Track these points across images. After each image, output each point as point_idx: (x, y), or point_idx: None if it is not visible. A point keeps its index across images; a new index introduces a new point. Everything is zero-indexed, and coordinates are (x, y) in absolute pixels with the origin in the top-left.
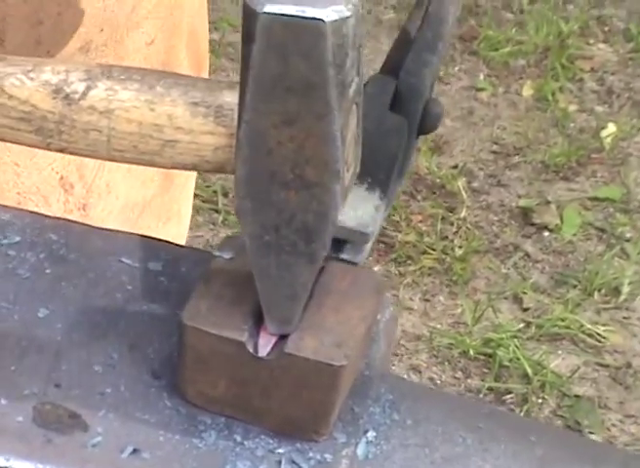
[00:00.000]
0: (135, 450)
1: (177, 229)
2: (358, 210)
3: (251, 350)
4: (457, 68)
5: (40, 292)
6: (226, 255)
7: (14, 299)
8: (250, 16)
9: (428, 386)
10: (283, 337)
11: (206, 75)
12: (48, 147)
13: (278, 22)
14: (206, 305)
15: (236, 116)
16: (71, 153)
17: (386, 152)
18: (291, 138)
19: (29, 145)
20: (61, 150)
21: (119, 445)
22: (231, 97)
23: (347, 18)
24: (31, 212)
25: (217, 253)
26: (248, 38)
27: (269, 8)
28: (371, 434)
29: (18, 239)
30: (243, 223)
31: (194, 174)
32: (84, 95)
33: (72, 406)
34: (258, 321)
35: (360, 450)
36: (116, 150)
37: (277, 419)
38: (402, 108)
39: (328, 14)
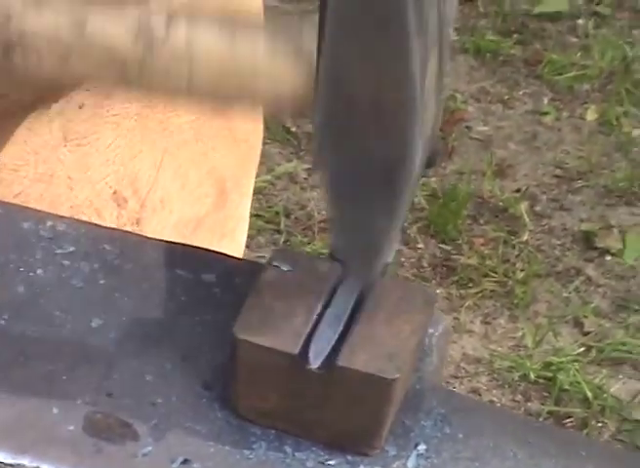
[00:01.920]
0: (185, 461)
1: (231, 247)
2: None
3: (302, 363)
4: (521, 92)
5: (93, 301)
6: (278, 266)
7: (67, 309)
8: None
9: (480, 400)
10: (334, 351)
11: None
12: (129, 88)
13: None
14: (257, 318)
15: (315, 56)
16: (152, 95)
17: None
18: (369, 78)
19: (111, 86)
20: (142, 91)
21: (170, 455)
22: (311, 37)
23: None
24: (86, 222)
25: (268, 264)
26: None
27: None
28: (422, 447)
29: (72, 249)
30: (321, 167)
31: (250, 191)
32: (165, 38)
33: (123, 415)
34: (309, 334)
35: (411, 464)
36: (196, 93)
37: (329, 432)
38: None
39: None
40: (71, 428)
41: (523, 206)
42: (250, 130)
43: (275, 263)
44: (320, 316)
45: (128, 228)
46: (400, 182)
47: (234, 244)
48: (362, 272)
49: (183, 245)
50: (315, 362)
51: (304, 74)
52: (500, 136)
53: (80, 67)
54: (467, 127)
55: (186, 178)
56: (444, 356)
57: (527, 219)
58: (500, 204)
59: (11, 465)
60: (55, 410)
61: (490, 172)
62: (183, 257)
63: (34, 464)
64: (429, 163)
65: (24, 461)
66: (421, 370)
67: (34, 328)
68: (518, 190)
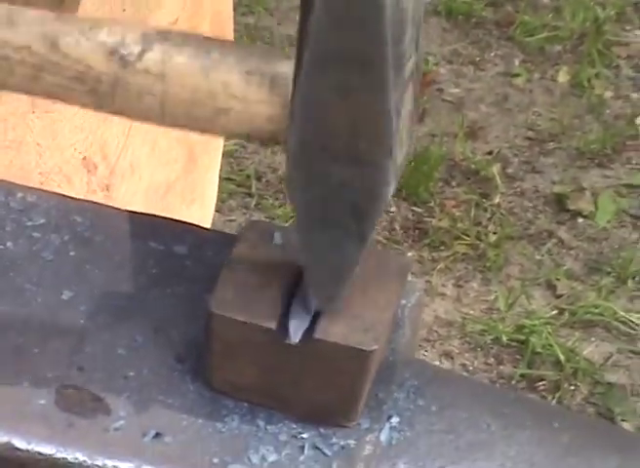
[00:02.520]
0: (157, 434)
1: (201, 211)
2: None
3: (280, 337)
4: (492, 54)
5: (64, 274)
6: (250, 239)
7: (37, 282)
8: None
9: (454, 371)
10: (311, 323)
11: None
12: (100, 108)
13: None
14: (232, 293)
15: (291, 86)
16: (124, 116)
17: None
18: (345, 112)
19: (82, 106)
20: (114, 113)
21: (141, 428)
22: (287, 68)
23: None
24: (57, 194)
25: (240, 236)
26: (306, 8)
27: None
28: (395, 420)
29: (42, 221)
30: (291, 195)
31: (219, 156)
32: (139, 57)
33: (95, 389)
34: (286, 307)
35: (384, 436)
36: (169, 115)
37: (306, 406)
38: None
39: None
40: (42, 402)
41: (495, 168)
42: None
43: (247, 236)
44: (295, 288)
45: (98, 194)
46: (370, 213)
47: (204, 208)
48: (328, 290)
49: (155, 216)
50: (295, 336)
51: (279, 101)
52: (472, 98)
53: (52, 83)
54: (439, 89)
55: (155, 144)
56: (417, 327)
57: (499, 182)
58: (472, 166)
59: None
60: (25, 384)
61: (461, 134)
62: (155, 229)
63: (5, 439)
64: None
65: None
66: (394, 341)
67: (5, 300)
68: (490, 153)
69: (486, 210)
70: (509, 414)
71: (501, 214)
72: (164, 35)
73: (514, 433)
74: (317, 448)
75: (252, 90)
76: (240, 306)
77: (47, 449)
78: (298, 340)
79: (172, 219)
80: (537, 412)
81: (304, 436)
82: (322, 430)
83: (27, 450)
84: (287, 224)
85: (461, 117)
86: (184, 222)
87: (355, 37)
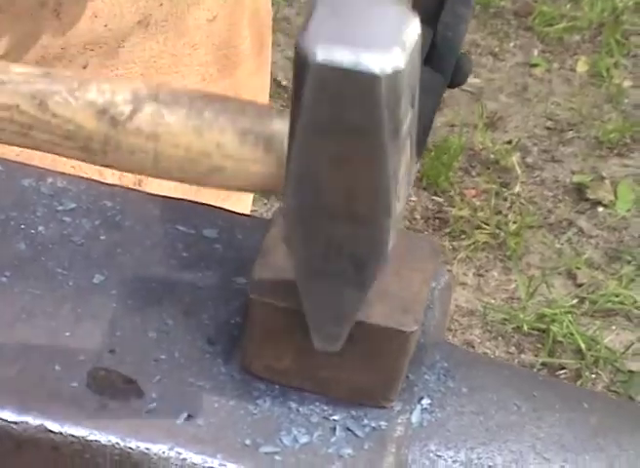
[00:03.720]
0: (189, 417)
1: (235, 208)
2: None
3: None
4: (511, 44)
5: (95, 258)
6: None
7: (69, 266)
8: (302, 63)
9: (483, 355)
10: None
11: (268, 52)
12: (93, 163)
13: (331, 73)
14: (269, 278)
15: (286, 145)
16: (117, 169)
17: (422, 115)
18: (341, 179)
19: (75, 159)
20: (107, 166)
21: (174, 411)
22: (282, 125)
23: (403, 70)
24: (86, 178)
25: (273, 222)
26: (299, 83)
27: (321, 56)
28: (425, 401)
29: (73, 206)
30: (291, 250)
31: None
32: (130, 117)
33: (127, 371)
34: None
35: (415, 418)
36: (163, 171)
37: (346, 388)
38: (438, 63)
39: (383, 65)
40: (75, 385)
41: (515, 158)
42: (257, 89)
43: (279, 221)
44: None
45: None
46: (371, 265)
47: (240, 205)
48: (329, 338)
49: (184, 200)
50: None
51: (275, 160)
52: (491, 89)
53: (42, 141)
54: None
55: None
56: (446, 310)
57: (519, 171)
58: (492, 156)
59: (15, 423)
60: (57, 367)
61: (481, 124)
62: (184, 213)
63: (38, 421)
64: (456, 81)
65: (28, 418)
66: (425, 323)
67: (36, 284)
68: (509, 142)
69: (506, 199)
70: (538, 397)
71: (521, 203)
72: (154, 94)
73: (543, 415)
74: (349, 429)
75: (246, 149)
76: (278, 291)
77: (80, 432)
78: None
79: (201, 204)
80: (565, 395)
81: (336, 418)
82: (354, 412)
83: (60, 433)
84: None
85: (481, 107)
86: (214, 207)
87: (350, 111)
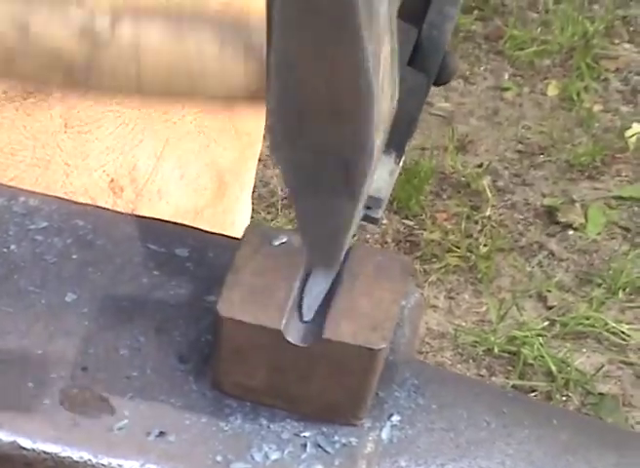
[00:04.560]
0: (161, 433)
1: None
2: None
3: (288, 338)
4: (482, 68)
5: (67, 276)
6: (252, 242)
7: (41, 284)
8: None
9: (453, 371)
10: (318, 324)
11: None
12: (77, 86)
13: None
14: (239, 296)
15: (265, 51)
16: (102, 92)
17: (406, 114)
18: (322, 71)
19: (58, 86)
20: (92, 88)
21: (145, 428)
22: (260, 32)
23: None
24: (59, 198)
25: (243, 240)
26: None
27: None
28: (395, 418)
29: (45, 224)
30: (277, 159)
31: (250, 186)
32: (111, 33)
33: (99, 389)
34: (292, 309)
35: (385, 434)
36: (146, 85)
37: (316, 405)
38: (422, 62)
39: None
40: (47, 402)
41: (485, 181)
42: (252, 124)
43: (249, 239)
44: (300, 290)
45: None
46: (358, 168)
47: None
48: (327, 257)
49: (156, 219)
50: (303, 339)
51: (255, 70)
52: (462, 112)
53: (26, 69)
54: (429, 103)
55: (186, 170)
56: (416, 328)
57: (489, 194)
58: (463, 179)
59: None
60: (30, 385)
61: (452, 147)
62: (156, 232)
63: (11, 438)
64: (441, 79)
65: (1, 435)
66: (394, 341)
67: (9, 302)
68: (480, 165)
69: (477, 222)
70: (508, 413)
71: (492, 226)
72: (134, 14)
73: (513, 431)
74: (319, 445)
75: (227, 54)
76: (247, 309)
77: (52, 448)
78: (301, 341)
79: (172, 223)
80: (535, 411)
81: (307, 434)
82: (324, 428)
83: (33, 450)
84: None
85: (452, 130)
86: (185, 225)
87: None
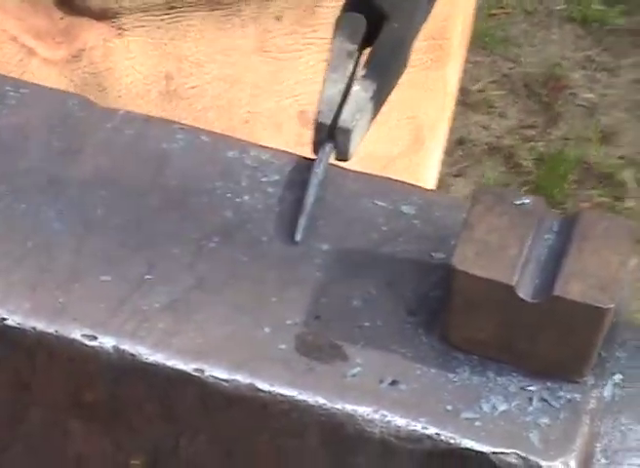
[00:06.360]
0: (393, 382)
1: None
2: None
3: (520, 294)
4: (626, 61)
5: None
6: (484, 202)
7: (273, 235)
8: None
9: None
10: (548, 283)
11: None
12: None
13: None
14: (473, 251)
15: None
16: None
17: None
18: None
19: None
20: None
21: (378, 375)
22: None
23: None
24: (289, 153)
25: (474, 199)
26: None
27: None
28: (618, 377)
29: (277, 178)
30: None
31: (443, 142)
32: None
33: (332, 337)
34: (524, 266)
35: (607, 392)
36: None
37: (541, 361)
38: None
39: None
40: (283, 347)
41: (628, 172)
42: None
43: (482, 199)
44: (531, 248)
45: (305, 149)
46: None
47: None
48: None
49: (382, 177)
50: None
51: None
52: (605, 104)
53: None
54: (572, 94)
55: (387, 117)
56: (629, 292)
57: (633, 186)
58: (606, 170)
59: (226, 380)
60: (266, 330)
61: (595, 138)
62: (382, 189)
63: (248, 380)
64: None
65: (239, 377)
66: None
67: (243, 251)
68: (623, 157)
69: (620, 213)
70: None
71: (635, 217)
72: None
73: None
74: (545, 400)
75: None
76: (481, 264)
77: (289, 392)
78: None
79: (397, 180)
80: None
81: (533, 388)
82: (549, 383)
83: (270, 392)
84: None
85: (595, 121)
86: (409, 184)
87: None
